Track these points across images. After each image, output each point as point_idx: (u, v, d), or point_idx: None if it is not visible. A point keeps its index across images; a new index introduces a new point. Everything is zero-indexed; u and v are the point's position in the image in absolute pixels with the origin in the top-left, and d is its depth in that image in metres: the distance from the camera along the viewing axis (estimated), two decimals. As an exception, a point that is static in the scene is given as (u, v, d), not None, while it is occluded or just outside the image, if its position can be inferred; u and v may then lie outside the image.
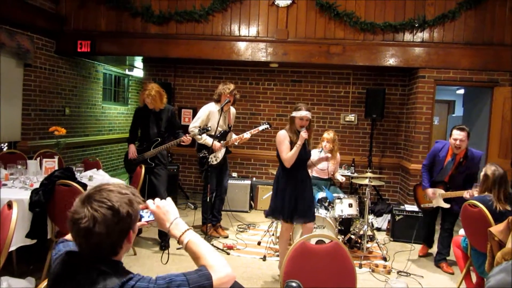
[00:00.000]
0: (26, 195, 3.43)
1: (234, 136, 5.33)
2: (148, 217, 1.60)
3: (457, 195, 4.33)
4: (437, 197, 4.56)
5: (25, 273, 3.61)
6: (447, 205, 4.50)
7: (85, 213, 1.32)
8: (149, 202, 1.59)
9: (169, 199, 1.64)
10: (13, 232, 2.44)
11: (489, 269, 3.19)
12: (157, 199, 1.61)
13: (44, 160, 4.32)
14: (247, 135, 5.15)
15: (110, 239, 1.35)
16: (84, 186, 3.60)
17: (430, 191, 4.61)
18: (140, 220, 1.53)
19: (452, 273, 4.51)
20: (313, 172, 5.51)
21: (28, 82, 6.14)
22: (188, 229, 1.55)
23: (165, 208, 1.58)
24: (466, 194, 4.15)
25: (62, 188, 3.49)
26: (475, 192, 3.96)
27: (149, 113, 4.99)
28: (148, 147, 4.98)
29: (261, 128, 5.15)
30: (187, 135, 4.86)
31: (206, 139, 5.06)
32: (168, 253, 1.41)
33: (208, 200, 5.04)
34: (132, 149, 5.05)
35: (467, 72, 6.08)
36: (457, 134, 4.32)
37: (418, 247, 5.19)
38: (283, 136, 3.88)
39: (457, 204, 4.37)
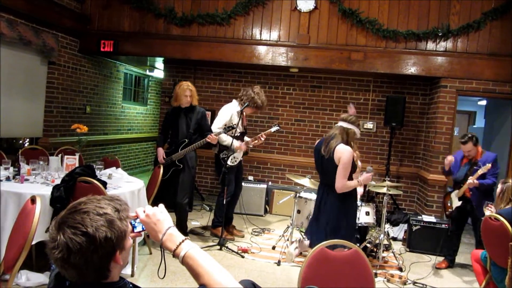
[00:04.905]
0: (47, 191, 3.47)
1: (246, 138, 5.38)
2: (142, 228, 1.41)
3: (465, 186, 4.59)
4: (453, 197, 4.85)
5: (44, 268, 3.65)
6: (458, 202, 4.75)
7: (58, 242, 1.17)
8: (139, 210, 1.39)
9: (161, 205, 1.43)
10: (36, 226, 2.48)
11: (510, 284, 3.13)
12: (147, 207, 1.40)
13: (65, 157, 4.39)
14: (262, 137, 5.18)
15: (90, 267, 1.19)
16: (104, 183, 3.65)
17: (448, 157, 4.88)
18: (132, 231, 1.38)
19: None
20: None
21: (52, 80, 6.26)
22: (184, 240, 1.33)
23: (155, 217, 1.36)
24: (469, 180, 4.48)
25: (83, 185, 3.54)
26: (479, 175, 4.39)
27: (180, 113, 5.02)
28: (176, 149, 5.02)
29: (272, 130, 5.19)
30: (212, 134, 4.84)
31: (227, 140, 5.04)
32: (165, 266, 1.28)
33: (224, 203, 5.05)
34: (161, 153, 5.08)
35: (490, 83, 5.98)
36: (463, 148, 4.69)
37: (434, 258, 5.11)
38: (351, 154, 3.46)
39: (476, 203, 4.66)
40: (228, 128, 4.83)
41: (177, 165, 4.99)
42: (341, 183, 3.42)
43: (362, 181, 3.56)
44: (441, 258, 5.04)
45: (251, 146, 5.40)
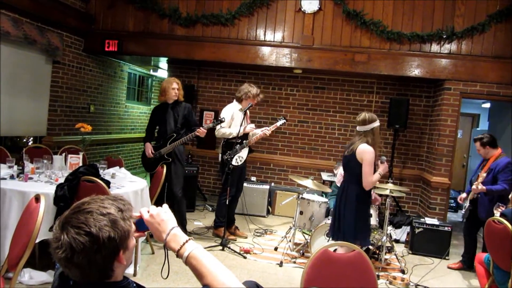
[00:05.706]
0: (51, 190, 3.48)
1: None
2: (145, 227, 1.41)
3: (472, 191, 4.60)
4: (467, 199, 4.79)
5: (47, 266, 3.66)
6: (467, 204, 4.73)
7: (62, 241, 1.17)
8: (143, 210, 1.39)
9: (165, 206, 1.43)
10: (40, 225, 2.49)
11: (513, 288, 3.13)
12: (151, 207, 1.40)
13: (69, 156, 4.39)
14: (268, 131, 5.18)
15: (94, 267, 1.20)
16: (108, 183, 3.66)
17: (459, 196, 4.99)
18: (136, 231, 1.38)
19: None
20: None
21: (56, 79, 6.28)
22: (188, 240, 1.34)
23: (159, 217, 1.36)
24: (474, 185, 4.51)
25: (87, 184, 3.54)
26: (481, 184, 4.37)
27: (167, 109, 5.10)
28: (164, 143, 5.07)
29: (278, 123, 5.19)
30: (201, 127, 4.92)
31: (230, 131, 5.08)
32: (169, 266, 1.27)
33: (227, 203, 5.05)
34: (149, 147, 5.13)
35: (494, 86, 5.97)
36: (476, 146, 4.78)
37: (437, 261, 5.10)
38: (373, 154, 3.68)
39: (483, 210, 4.63)
40: (217, 122, 4.91)
41: (166, 159, 5.03)
42: (369, 180, 3.68)
43: (382, 171, 3.76)
44: (439, 260, 5.03)
45: (262, 134, 5.40)
